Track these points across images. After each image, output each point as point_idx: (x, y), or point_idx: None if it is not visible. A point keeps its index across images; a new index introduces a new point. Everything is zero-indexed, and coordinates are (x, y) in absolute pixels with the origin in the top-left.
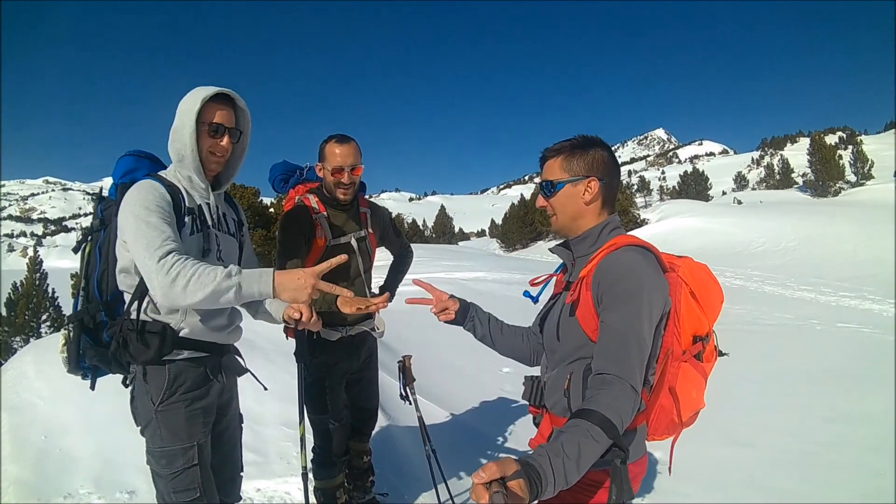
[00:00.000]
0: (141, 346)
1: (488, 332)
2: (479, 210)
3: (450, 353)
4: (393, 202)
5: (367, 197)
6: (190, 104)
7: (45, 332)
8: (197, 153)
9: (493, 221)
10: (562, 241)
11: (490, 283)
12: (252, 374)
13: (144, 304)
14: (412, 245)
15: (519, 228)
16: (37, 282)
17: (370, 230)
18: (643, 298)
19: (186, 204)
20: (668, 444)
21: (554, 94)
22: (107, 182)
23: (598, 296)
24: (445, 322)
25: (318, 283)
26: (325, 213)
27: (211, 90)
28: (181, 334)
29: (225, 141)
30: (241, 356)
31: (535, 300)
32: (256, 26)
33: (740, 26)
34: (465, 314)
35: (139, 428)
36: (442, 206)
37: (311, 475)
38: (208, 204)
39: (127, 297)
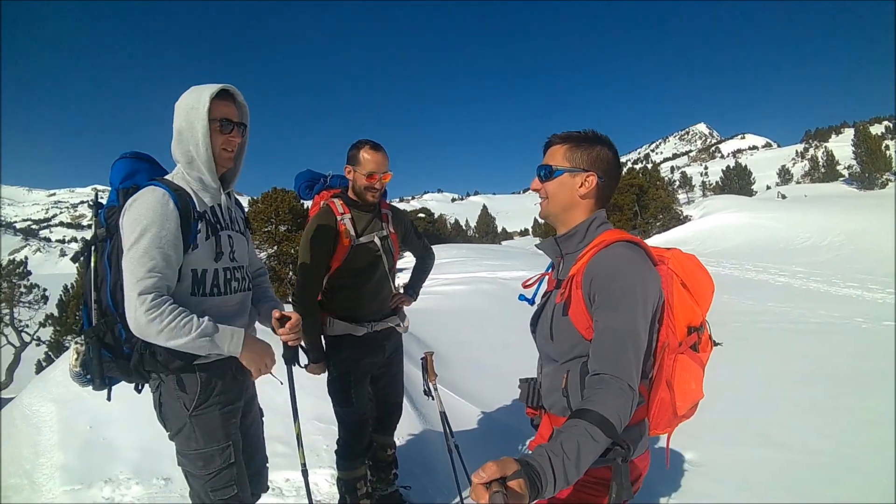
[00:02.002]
0: (171, 356)
1: None
2: (522, 209)
3: (480, 351)
4: (435, 203)
5: (388, 201)
6: (195, 103)
7: None
8: (210, 151)
9: (535, 220)
10: (548, 238)
11: None
12: (272, 374)
13: None
14: (454, 245)
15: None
16: None
17: (392, 230)
18: (637, 295)
19: (198, 209)
20: (697, 443)
21: (594, 90)
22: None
23: (591, 294)
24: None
25: (273, 362)
26: (349, 215)
27: (215, 87)
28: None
29: (236, 135)
30: None
31: (532, 302)
32: (297, 26)
33: (780, 15)
34: None
35: (169, 433)
36: (484, 206)
37: (311, 472)
38: (219, 205)
39: None
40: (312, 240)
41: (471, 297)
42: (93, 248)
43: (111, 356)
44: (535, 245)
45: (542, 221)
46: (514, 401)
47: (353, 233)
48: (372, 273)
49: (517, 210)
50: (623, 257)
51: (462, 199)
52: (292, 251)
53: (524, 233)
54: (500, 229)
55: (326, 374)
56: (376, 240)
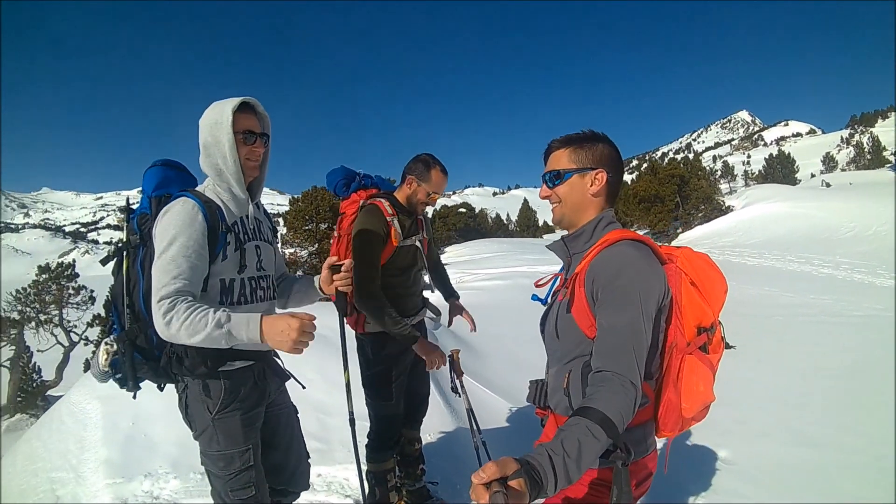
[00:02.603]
0: (198, 361)
1: None
2: None
3: (513, 345)
4: (477, 197)
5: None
6: (218, 118)
7: None
8: (238, 163)
9: None
10: (558, 238)
11: None
12: (294, 378)
13: None
14: (495, 240)
15: None
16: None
17: (424, 235)
18: (638, 293)
19: (227, 221)
20: (729, 441)
21: (635, 80)
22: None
23: (594, 293)
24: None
25: (301, 334)
26: (396, 217)
27: (236, 101)
28: (234, 346)
29: (259, 145)
30: (280, 359)
31: (545, 302)
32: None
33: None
34: None
35: (194, 434)
36: (525, 200)
37: (342, 467)
38: (247, 215)
39: None
40: (371, 238)
41: (508, 292)
42: (124, 253)
43: (142, 359)
44: (546, 246)
45: None
46: None
47: (400, 235)
48: (410, 272)
49: None
50: (626, 255)
51: (503, 193)
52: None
53: (551, 204)
54: (541, 223)
55: (362, 369)
56: (417, 242)
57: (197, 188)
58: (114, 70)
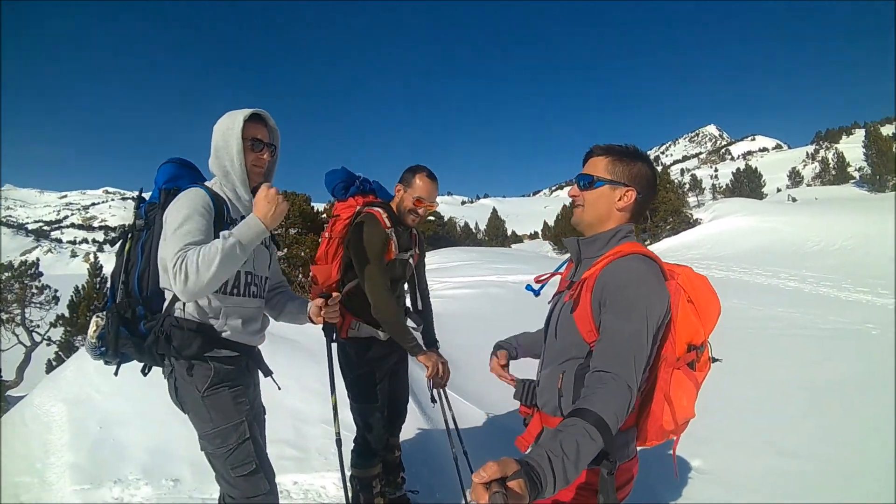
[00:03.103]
0: (186, 342)
1: (515, 348)
2: (532, 212)
3: (483, 354)
4: (445, 206)
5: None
6: (230, 124)
7: None
8: (244, 167)
9: (545, 223)
10: (573, 237)
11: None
12: (272, 378)
13: (189, 304)
14: (463, 248)
15: (571, 230)
16: (97, 285)
17: (417, 251)
18: (645, 307)
19: (231, 215)
20: (704, 450)
21: (603, 92)
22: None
23: (601, 300)
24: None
25: (278, 193)
26: (393, 230)
27: (248, 111)
28: (223, 335)
29: (265, 154)
30: (262, 358)
31: (538, 293)
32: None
33: (789, 14)
34: (511, 352)
35: (188, 414)
36: (494, 209)
37: (319, 475)
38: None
39: (168, 295)
40: (378, 247)
41: (479, 301)
42: (129, 235)
43: (128, 333)
44: (562, 239)
45: (552, 224)
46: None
47: (397, 248)
48: (397, 284)
49: (526, 213)
50: (637, 269)
51: (472, 202)
52: (302, 254)
53: (534, 236)
54: (509, 232)
55: (344, 374)
56: (410, 260)
57: (206, 183)
58: (85, 66)
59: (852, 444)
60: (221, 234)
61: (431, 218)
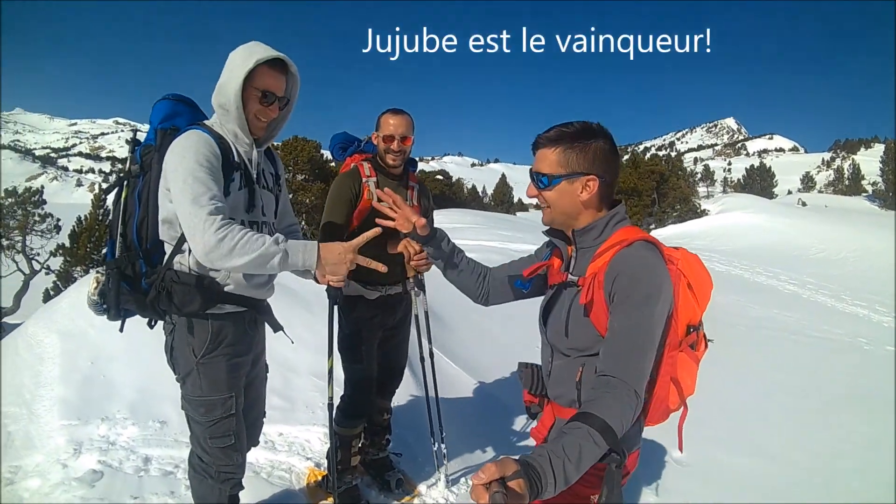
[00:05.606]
0: (187, 298)
1: (445, 257)
2: None
3: (484, 320)
4: (455, 166)
5: (416, 173)
6: (241, 61)
7: None
8: (242, 112)
9: None
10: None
11: None
12: (283, 332)
13: (189, 257)
14: (469, 210)
15: None
16: (100, 216)
17: (415, 203)
18: (658, 301)
19: (235, 158)
20: (686, 444)
21: (622, 70)
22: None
23: (611, 294)
24: (405, 235)
25: (356, 256)
26: (374, 178)
27: (265, 54)
28: (226, 289)
29: (274, 109)
30: (270, 311)
31: (527, 288)
32: None
33: (820, 22)
34: (434, 236)
35: (177, 377)
36: (503, 175)
37: (305, 428)
38: (251, 160)
39: (168, 248)
40: (336, 196)
41: None
42: (125, 183)
43: (130, 288)
44: (543, 232)
45: None
46: (511, 373)
47: (374, 194)
48: (388, 238)
49: None
50: (646, 259)
51: (482, 165)
52: (307, 201)
53: (539, 206)
54: (516, 200)
55: (340, 328)
56: None
57: (206, 122)
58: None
59: (824, 454)
60: (276, 236)
61: (439, 177)
